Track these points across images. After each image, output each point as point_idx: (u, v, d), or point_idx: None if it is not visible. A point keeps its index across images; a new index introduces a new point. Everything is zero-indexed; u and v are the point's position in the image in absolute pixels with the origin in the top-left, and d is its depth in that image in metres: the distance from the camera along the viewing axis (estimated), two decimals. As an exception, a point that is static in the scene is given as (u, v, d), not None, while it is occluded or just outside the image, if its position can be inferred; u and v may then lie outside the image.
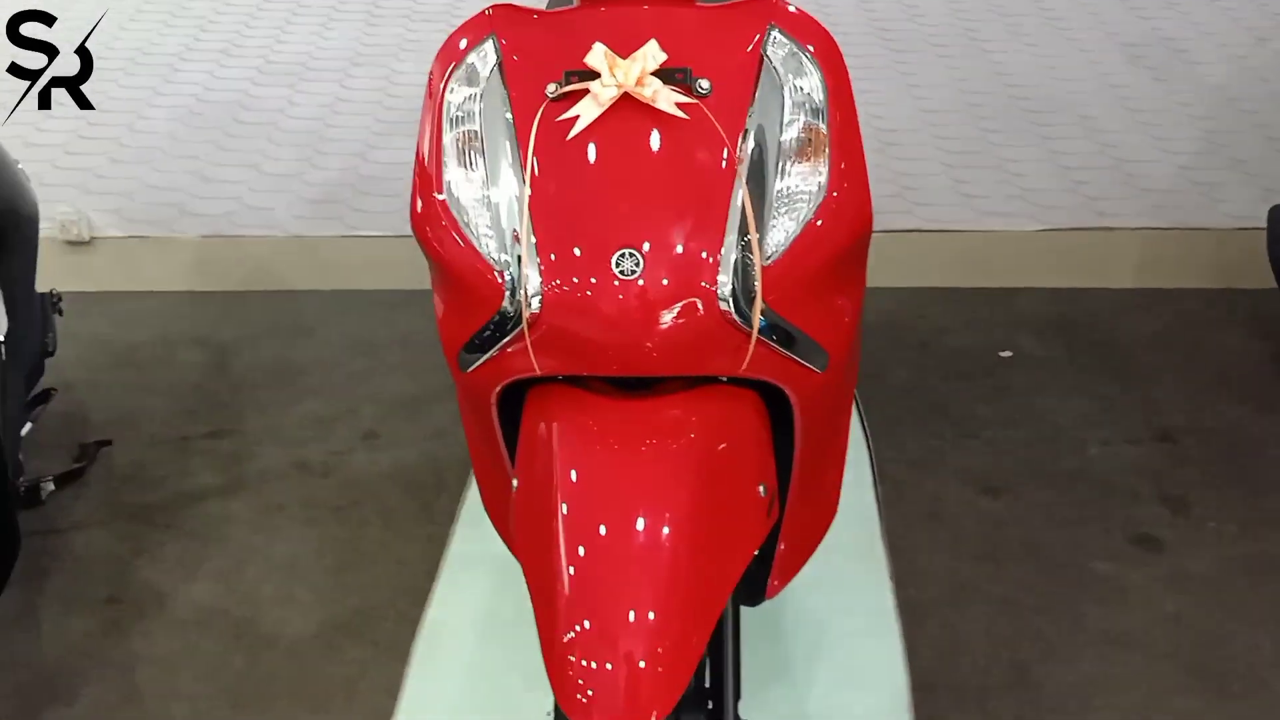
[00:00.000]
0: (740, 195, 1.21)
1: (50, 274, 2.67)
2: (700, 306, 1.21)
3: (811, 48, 1.29)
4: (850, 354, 1.42)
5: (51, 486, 2.51)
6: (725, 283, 1.20)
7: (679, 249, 1.20)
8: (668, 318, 1.20)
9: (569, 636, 1.15)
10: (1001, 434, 2.67)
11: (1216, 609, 2.16)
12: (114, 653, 2.15)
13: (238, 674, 2.10)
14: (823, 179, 1.27)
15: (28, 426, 2.40)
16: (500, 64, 1.28)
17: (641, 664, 1.13)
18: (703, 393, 1.29)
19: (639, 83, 1.21)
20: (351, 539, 2.43)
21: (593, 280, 1.20)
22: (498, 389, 1.33)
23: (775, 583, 1.58)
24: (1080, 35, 3.10)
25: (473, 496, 2.24)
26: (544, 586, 1.19)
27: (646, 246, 1.20)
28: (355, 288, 3.32)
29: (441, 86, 1.32)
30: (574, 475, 1.23)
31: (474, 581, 2.11)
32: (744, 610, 1.61)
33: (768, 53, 1.26)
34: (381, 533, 2.44)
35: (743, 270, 1.21)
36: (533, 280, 1.22)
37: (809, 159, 1.27)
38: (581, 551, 1.18)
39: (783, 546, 1.53)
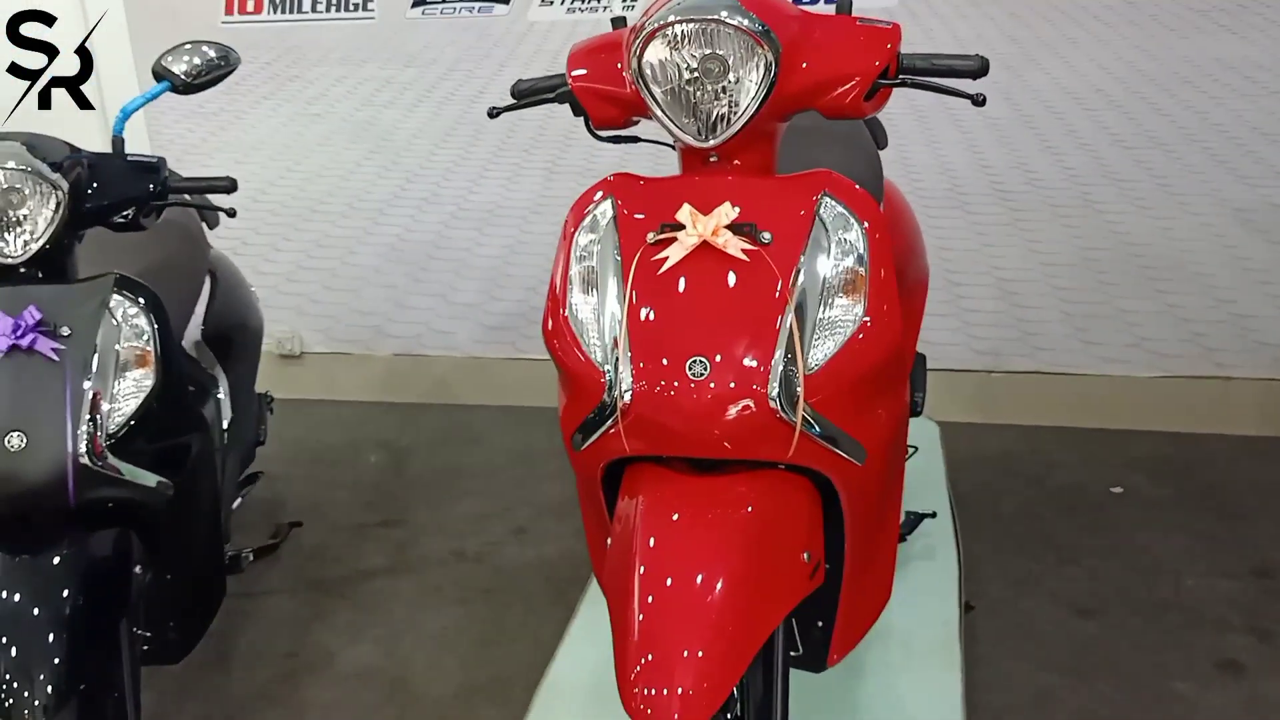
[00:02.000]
0: (789, 320, 1.54)
1: (266, 382, 3.17)
2: (753, 404, 1.52)
3: (856, 210, 1.61)
4: (890, 451, 1.70)
5: (251, 557, 2.95)
6: (773, 386, 1.52)
7: (738, 359, 1.53)
8: (728, 411, 1.52)
9: (636, 669, 1.45)
10: (1101, 563, 2.83)
11: (1289, 731, 2.27)
12: (288, 698, 2.53)
13: (390, 721, 2.46)
14: (860, 310, 1.58)
15: (237, 502, 2.86)
16: (615, 217, 1.66)
17: (690, 692, 1.42)
18: (760, 475, 1.59)
19: (714, 233, 1.56)
20: (495, 618, 2.77)
21: (671, 380, 1.54)
22: (602, 466, 1.67)
23: (835, 654, 1.83)
24: (1191, 200, 3.31)
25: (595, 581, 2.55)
26: (622, 628, 1.50)
27: (714, 356, 1.53)
28: (521, 404, 3.74)
29: (573, 231, 1.70)
30: (651, 541, 1.54)
31: (590, 651, 2.40)
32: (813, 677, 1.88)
33: (820, 213, 1.60)
34: (522, 614, 2.77)
35: (787, 377, 1.53)
36: (626, 379, 1.56)
37: (850, 295, 1.58)
38: (650, 600, 1.48)
39: (841, 619, 1.80)
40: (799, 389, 1.53)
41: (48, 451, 1.89)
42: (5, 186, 1.93)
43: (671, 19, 1.55)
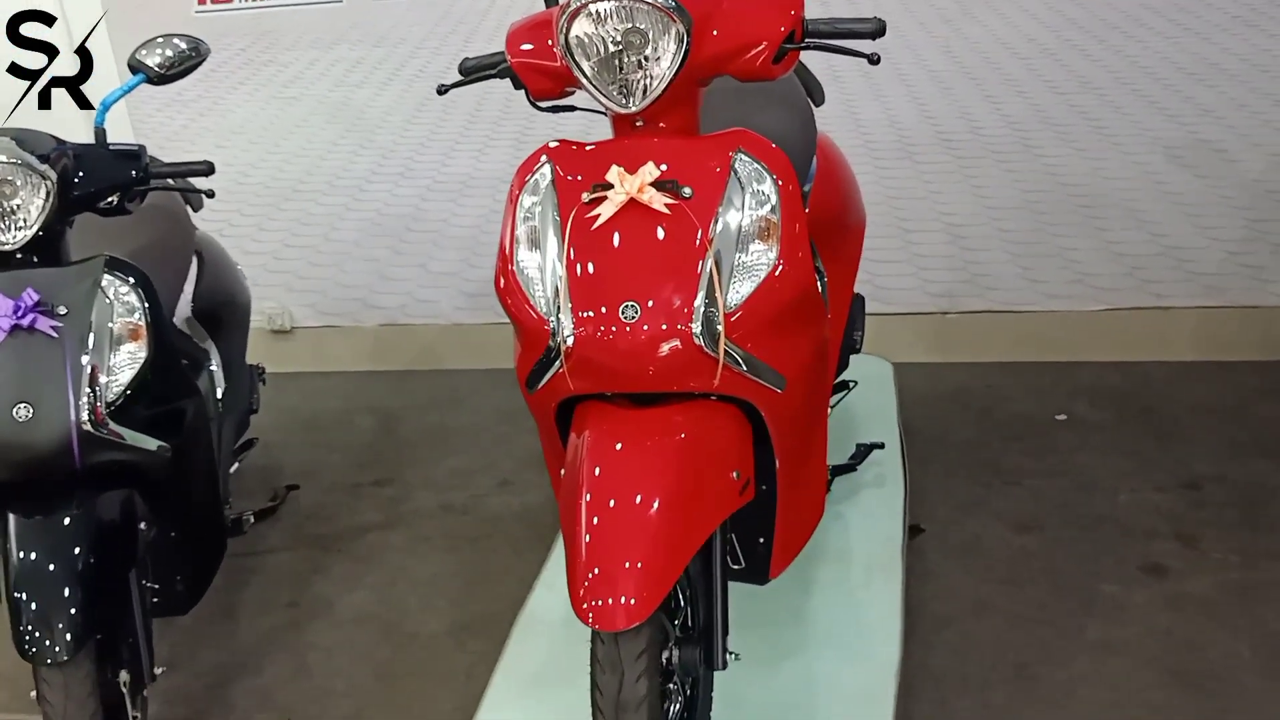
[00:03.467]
0: (709, 265, 1.72)
1: (259, 356, 3.36)
2: (680, 341, 1.71)
3: (769, 165, 1.79)
4: (810, 380, 1.90)
5: (252, 520, 3.16)
6: (696, 324, 1.71)
7: (664, 301, 1.71)
8: (658, 349, 1.71)
9: (585, 583, 1.65)
10: (1042, 483, 3.03)
11: (1206, 623, 2.47)
12: (292, 642, 2.73)
13: (384, 659, 2.65)
14: (774, 254, 1.76)
15: (234, 466, 3.06)
16: (554, 180, 1.84)
17: (632, 599, 1.62)
18: (693, 405, 1.78)
19: (640, 190, 1.74)
20: (482, 562, 2.98)
21: (608, 325, 1.72)
22: (554, 406, 1.86)
23: (776, 567, 2.03)
24: (1124, 140, 3.48)
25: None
26: (572, 549, 1.69)
27: (643, 301, 1.72)
28: (503, 367, 3.87)
29: (517, 194, 1.88)
30: (597, 470, 1.73)
31: (564, 583, 2.58)
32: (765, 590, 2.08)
33: (735, 168, 1.78)
34: (507, 557, 2.98)
35: (708, 316, 1.71)
36: (567, 325, 1.75)
37: (765, 240, 1.77)
38: (595, 521, 1.68)
39: (779, 535, 2.00)
40: (719, 326, 1.72)
41: (53, 420, 2.08)
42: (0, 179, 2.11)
43: (594, -5, 1.73)
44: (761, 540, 2.02)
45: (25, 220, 2.13)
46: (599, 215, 1.77)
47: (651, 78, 1.75)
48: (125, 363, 2.19)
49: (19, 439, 2.07)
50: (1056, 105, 3.50)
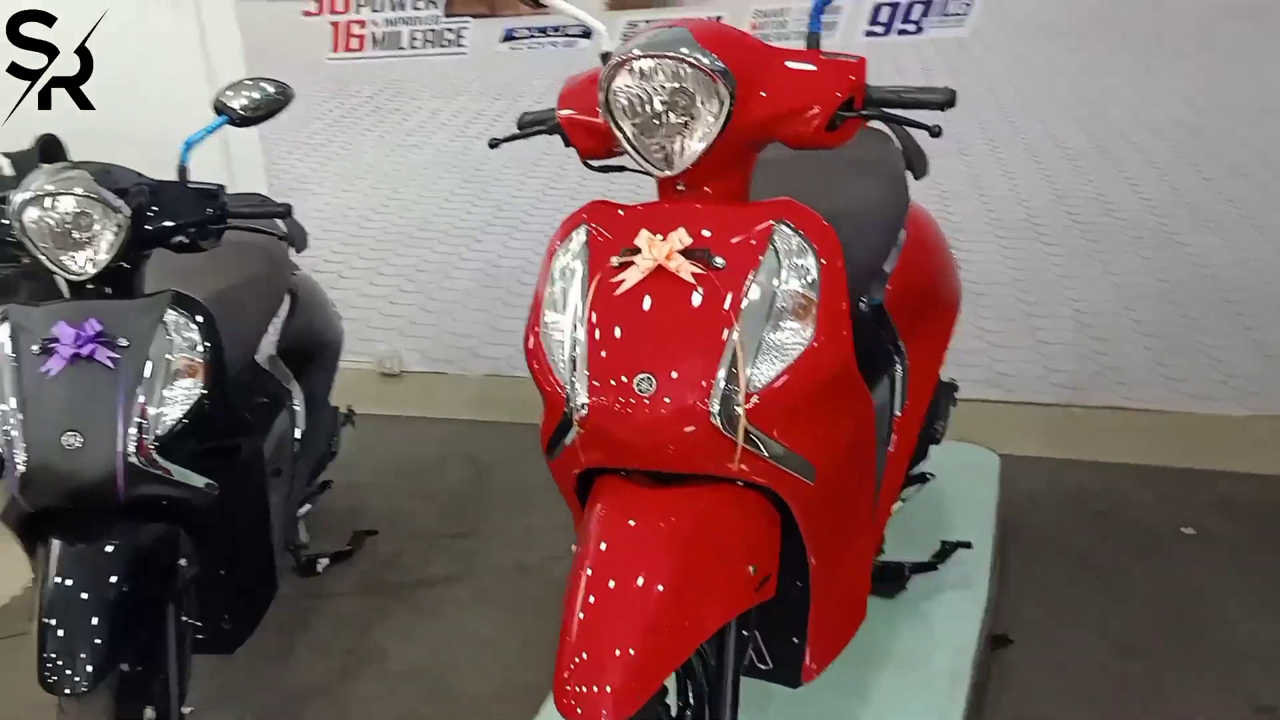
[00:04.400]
0: (732, 340, 1.60)
1: (367, 398, 3.37)
2: (695, 420, 1.59)
3: (813, 239, 1.66)
4: (846, 472, 1.74)
5: (326, 562, 3.16)
6: (714, 402, 1.58)
7: (681, 376, 1.59)
8: (672, 426, 1.59)
9: (570, 668, 1.53)
10: (1153, 601, 2.75)
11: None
12: (337, 691, 2.69)
13: (424, 716, 2.58)
14: (808, 333, 1.63)
15: (306, 508, 3.06)
16: (588, 241, 1.75)
17: (619, 690, 1.49)
18: (713, 489, 1.65)
19: (668, 257, 1.64)
20: (541, 627, 2.87)
21: (621, 396, 1.62)
22: (573, 476, 1.76)
23: (812, 666, 1.87)
24: (1273, 231, 3.20)
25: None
26: (564, 626, 1.58)
27: (659, 373, 1.60)
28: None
29: (553, 254, 1.81)
30: (602, 545, 1.63)
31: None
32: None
33: (774, 239, 1.66)
34: (567, 626, 2.87)
35: (727, 395, 1.59)
36: (581, 394, 1.65)
37: (800, 318, 1.63)
38: (592, 600, 1.57)
39: (813, 636, 1.84)
40: (738, 407, 1.59)
41: (100, 450, 2.09)
42: (76, 211, 2.15)
43: (635, 53, 1.65)
44: (795, 640, 1.86)
45: (96, 251, 2.17)
46: (624, 281, 1.67)
47: (691, 142, 1.66)
48: (179, 398, 2.19)
49: (66, 466, 2.08)
50: (1202, 191, 3.25)
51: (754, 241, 1.66)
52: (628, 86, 1.66)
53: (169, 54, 4.07)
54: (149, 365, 2.15)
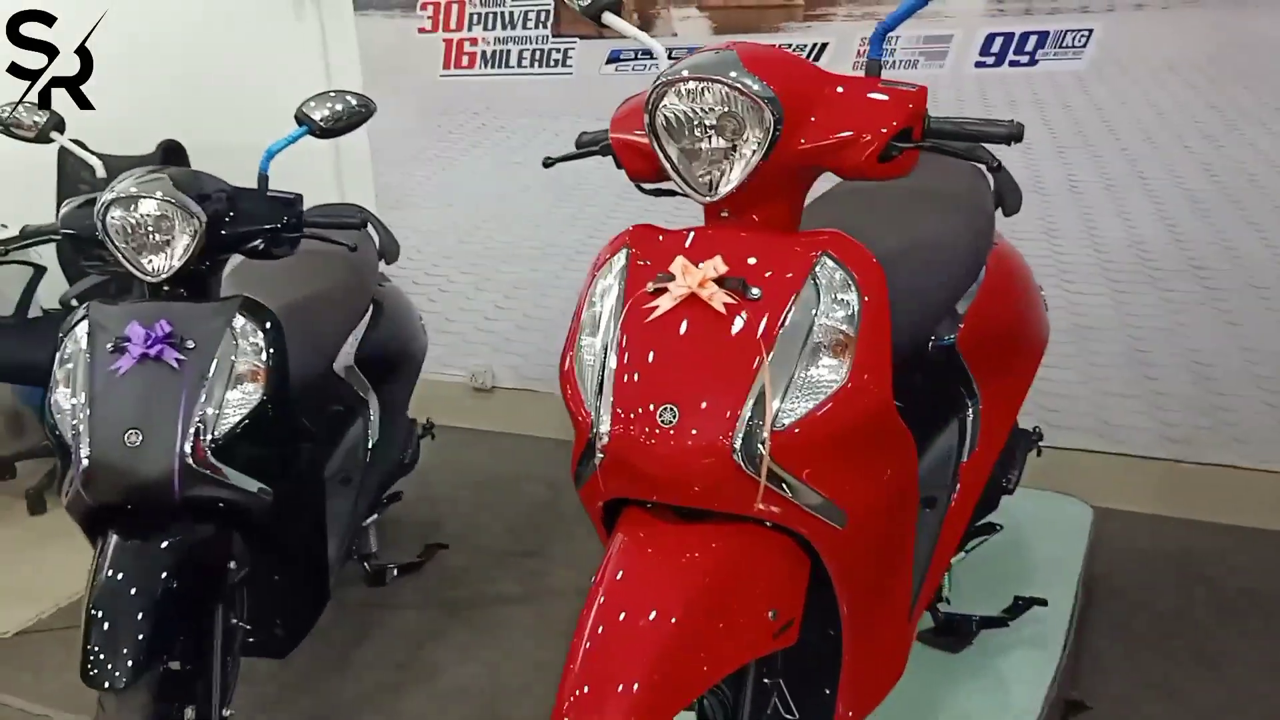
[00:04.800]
0: (761, 375, 1.53)
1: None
2: (716, 455, 1.52)
3: (857, 273, 1.58)
4: (882, 520, 1.64)
5: (395, 573, 3.17)
6: (737, 438, 1.51)
7: (705, 409, 1.53)
8: (693, 460, 1.53)
9: (570, 700, 1.47)
10: (1247, 674, 2.56)
11: None
12: (387, 706, 2.67)
13: (469, 740, 2.56)
14: (843, 372, 1.54)
15: (373, 517, 3.07)
16: (626, 266, 1.70)
17: None
18: (738, 528, 1.57)
19: (701, 285, 1.58)
20: (599, 656, 2.83)
21: (644, 426, 1.56)
22: (599, 505, 1.71)
23: (847, 717, 1.77)
24: None
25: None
26: (570, 654, 1.53)
27: (683, 405, 1.54)
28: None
29: (592, 278, 1.76)
30: (619, 574, 1.57)
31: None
32: None
33: (816, 272, 1.58)
34: (624, 656, 2.81)
35: (751, 432, 1.51)
36: (605, 422, 1.60)
37: (838, 355, 1.55)
38: (600, 630, 1.51)
39: (845, 689, 1.74)
40: (762, 444, 1.51)
41: (159, 450, 2.12)
42: (156, 214, 2.20)
43: (684, 74, 1.60)
44: (827, 691, 1.77)
45: (171, 254, 2.22)
46: (657, 307, 1.61)
47: (734, 168, 1.60)
48: (239, 402, 2.21)
49: (126, 464, 2.12)
50: (1333, 239, 3.03)
51: (793, 273, 1.58)
52: (673, 106, 1.61)
53: (292, 64, 4.19)
54: (213, 367, 2.18)
